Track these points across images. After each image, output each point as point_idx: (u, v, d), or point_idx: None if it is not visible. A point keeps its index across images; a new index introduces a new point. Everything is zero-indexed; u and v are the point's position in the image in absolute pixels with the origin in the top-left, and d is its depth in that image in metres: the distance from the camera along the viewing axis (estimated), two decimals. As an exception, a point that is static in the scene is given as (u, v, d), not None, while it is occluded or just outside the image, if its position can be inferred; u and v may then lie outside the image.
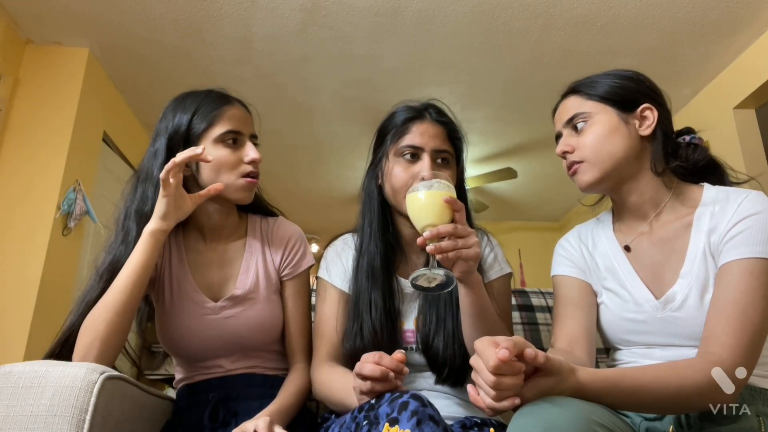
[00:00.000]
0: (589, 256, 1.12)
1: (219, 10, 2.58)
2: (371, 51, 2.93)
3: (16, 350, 2.37)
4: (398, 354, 0.87)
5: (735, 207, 0.95)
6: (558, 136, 1.10)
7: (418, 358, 1.11)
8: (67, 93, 2.75)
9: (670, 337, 0.97)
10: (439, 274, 0.92)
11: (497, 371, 0.72)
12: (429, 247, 0.90)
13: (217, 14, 2.61)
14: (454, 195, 0.94)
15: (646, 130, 1.03)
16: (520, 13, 2.63)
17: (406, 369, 0.87)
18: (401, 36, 2.80)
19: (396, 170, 1.14)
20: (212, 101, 1.15)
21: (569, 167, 1.06)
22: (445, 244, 0.90)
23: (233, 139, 1.12)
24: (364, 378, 0.86)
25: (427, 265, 0.95)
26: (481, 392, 0.76)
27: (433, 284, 0.94)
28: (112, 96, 3.17)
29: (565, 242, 1.18)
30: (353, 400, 0.92)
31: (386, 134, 1.20)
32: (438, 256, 0.91)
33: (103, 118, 3.05)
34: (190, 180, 1.14)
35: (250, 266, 1.20)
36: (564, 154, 1.06)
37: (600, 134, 1.02)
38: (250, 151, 1.13)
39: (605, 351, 1.21)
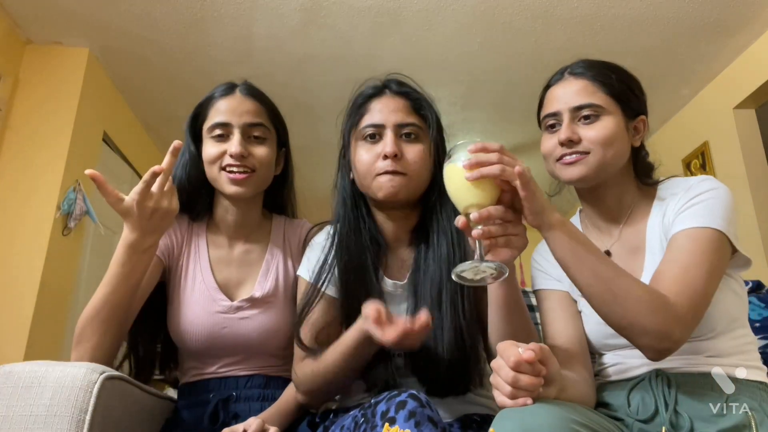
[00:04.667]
0: None
1: (219, 10, 2.58)
2: (371, 51, 2.92)
3: (16, 350, 2.36)
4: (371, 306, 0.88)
5: (686, 188, 0.98)
6: (552, 114, 1.03)
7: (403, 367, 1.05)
8: (67, 93, 2.75)
9: None
10: (491, 267, 0.80)
11: (517, 368, 0.73)
12: (476, 232, 0.80)
13: (217, 14, 2.61)
14: None
15: (637, 141, 1.05)
16: (520, 13, 2.63)
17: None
18: (401, 36, 2.80)
19: (359, 153, 1.05)
20: (211, 94, 1.17)
21: (570, 155, 1.00)
22: (495, 228, 0.81)
23: (220, 133, 1.12)
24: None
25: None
26: (496, 391, 0.76)
27: (478, 277, 0.82)
28: (112, 96, 3.17)
29: (538, 255, 1.16)
30: (351, 345, 0.94)
31: (347, 119, 1.11)
32: (485, 243, 0.81)
33: (103, 118, 3.05)
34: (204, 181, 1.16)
35: (271, 270, 1.19)
36: (569, 142, 1.00)
37: (611, 135, 0.99)
38: (230, 145, 1.10)
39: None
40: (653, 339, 0.84)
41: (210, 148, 1.13)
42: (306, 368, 1.04)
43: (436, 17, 2.66)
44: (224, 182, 1.12)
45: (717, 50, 2.90)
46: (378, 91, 1.09)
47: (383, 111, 1.05)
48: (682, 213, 0.95)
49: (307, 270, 1.12)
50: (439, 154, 1.07)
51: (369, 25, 2.71)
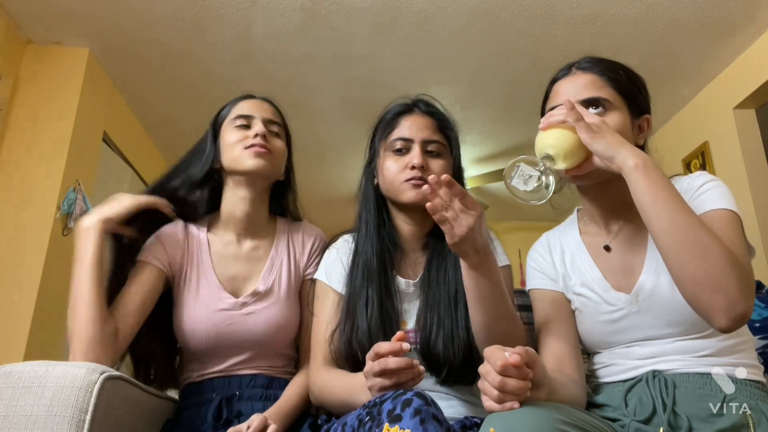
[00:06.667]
0: (560, 262, 1.11)
1: (219, 10, 2.58)
2: (371, 51, 2.92)
3: (16, 350, 2.36)
4: (397, 334, 0.88)
5: (687, 182, 0.97)
6: (559, 107, 1.00)
7: (417, 358, 1.10)
8: (67, 93, 2.75)
9: (650, 329, 0.96)
10: (550, 178, 0.90)
11: (504, 372, 0.74)
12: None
13: (217, 14, 2.61)
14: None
15: (641, 140, 1.04)
16: (520, 13, 2.63)
17: (406, 345, 0.87)
18: (401, 36, 2.80)
19: (387, 163, 1.16)
20: (237, 98, 1.28)
21: None
22: (440, 201, 0.89)
23: (243, 123, 1.20)
24: (390, 373, 0.86)
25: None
26: (484, 396, 0.77)
27: (529, 186, 0.91)
28: (112, 96, 3.16)
29: (534, 253, 1.17)
30: (358, 398, 0.93)
31: (377, 132, 1.22)
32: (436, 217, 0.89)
33: (103, 118, 3.05)
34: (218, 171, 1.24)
35: (275, 265, 1.23)
36: None
37: (617, 130, 0.96)
38: (256, 127, 1.19)
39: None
40: (729, 299, 0.78)
41: (233, 134, 1.21)
42: (317, 381, 1.10)
43: (436, 17, 2.66)
44: (246, 156, 1.18)
45: (717, 50, 2.90)
46: (408, 109, 1.20)
47: (412, 127, 1.16)
48: (693, 201, 0.93)
49: (325, 274, 1.19)
50: (456, 169, 1.19)
51: (369, 25, 2.71)
